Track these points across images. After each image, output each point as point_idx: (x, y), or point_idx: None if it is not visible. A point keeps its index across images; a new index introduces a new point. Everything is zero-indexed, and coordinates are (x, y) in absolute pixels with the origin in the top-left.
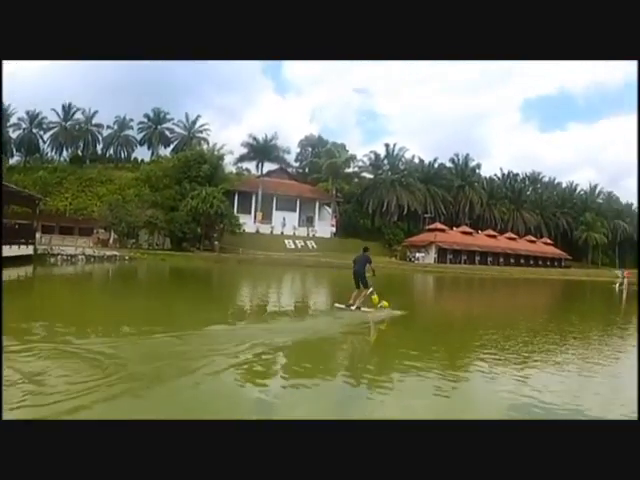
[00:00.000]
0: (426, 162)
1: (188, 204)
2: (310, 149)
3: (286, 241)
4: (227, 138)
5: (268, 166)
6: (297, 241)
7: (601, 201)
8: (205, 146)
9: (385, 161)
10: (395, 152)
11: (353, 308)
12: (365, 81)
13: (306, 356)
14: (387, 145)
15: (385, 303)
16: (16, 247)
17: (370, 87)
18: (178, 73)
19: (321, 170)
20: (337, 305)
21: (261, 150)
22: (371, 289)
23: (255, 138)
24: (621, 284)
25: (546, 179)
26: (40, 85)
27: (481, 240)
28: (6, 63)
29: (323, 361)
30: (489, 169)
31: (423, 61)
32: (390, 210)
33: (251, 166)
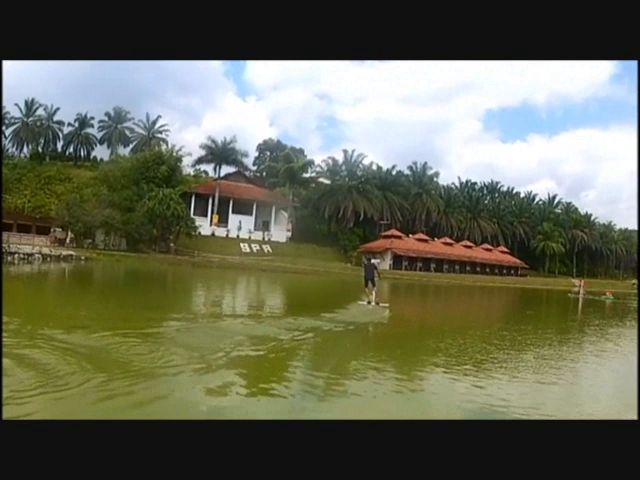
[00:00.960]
0: (384, 169)
1: (145, 205)
2: (268, 153)
3: (242, 245)
4: (186, 140)
5: (226, 169)
6: (253, 245)
7: (559, 211)
8: (164, 147)
9: (343, 167)
10: (353, 158)
11: (373, 304)
12: (327, 87)
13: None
14: (345, 151)
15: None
16: None
17: (331, 93)
18: (141, 73)
19: (278, 174)
20: (360, 302)
21: (219, 153)
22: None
23: (214, 141)
24: (577, 293)
25: (504, 189)
26: (6, 79)
27: (437, 247)
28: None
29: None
30: (448, 178)
31: (385, 69)
32: (346, 216)
33: (209, 168)
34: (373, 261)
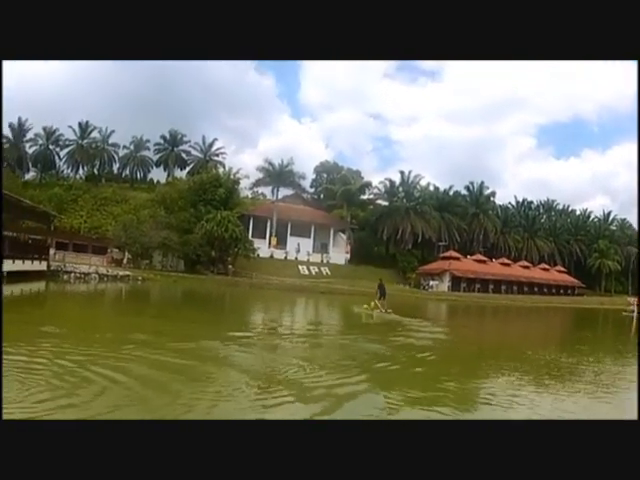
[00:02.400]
0: (441, 189)
1: (203, 227)
2: (325, 175)
3: (300, 267)
4: (243, 162)
5: (283, 191)
6: (311, 267)
7: (614, 228)
8: (221, 170)
9: (400, 188)
10: (410, 179)
11: (388, 311)
12: (379, 107)
13: None
14: (402, 172)
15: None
16: (29, 262)
17: (385, 113)
18: (194, 96)
19: (336, 196)
20: (377, 312)
21: (277, 175)
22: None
23: (271, 163)
24: (632, 311)
25: (560, 206)
26: (58, 102)
27: (495, 268)
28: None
29: None
30: (502, 196)
31: (435, 88)
32: (404, 238)
33: (266, 191)
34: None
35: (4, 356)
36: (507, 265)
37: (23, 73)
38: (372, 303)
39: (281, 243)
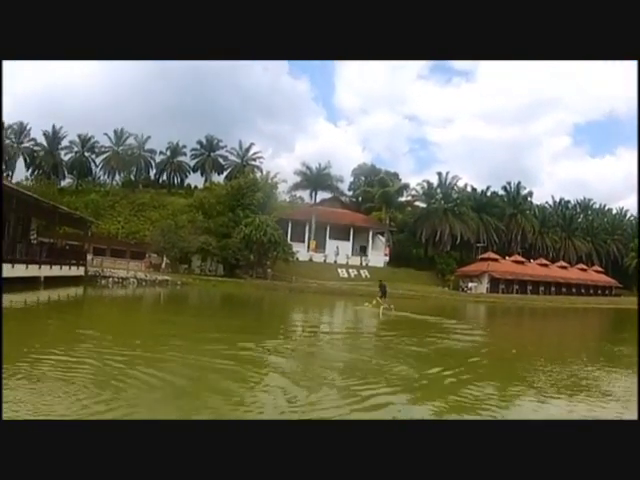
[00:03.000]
0: (478, 190)
1: (241, 231)
2: (363, 178)
3: (339, 270)
4: (280, 166)
5: (321, 195)
6: (350, 270)
7: None
8: (258, 174)
9: (438, 190)
10: (447, 181)
11: (390, 307)
12: (414, 108)
13: None
14: (439, 174)
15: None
16: (67, 267)
17: (420, 115)
18: (229, 101)
19: (374, 199)
20: (383, 308)
21: (314, 179)
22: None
23: (308, 167)
24: None
25: (596, 205)
26: (91, 110)
27: (533, 269)
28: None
29: None
30: (539, 196)
31: (470, 88)
32: (443, 239)
33: (304, 194)
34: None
35: (50, 357)
36: (545, 266)
37: (56, 82)
38: (374, 301)
39: (320, 246)
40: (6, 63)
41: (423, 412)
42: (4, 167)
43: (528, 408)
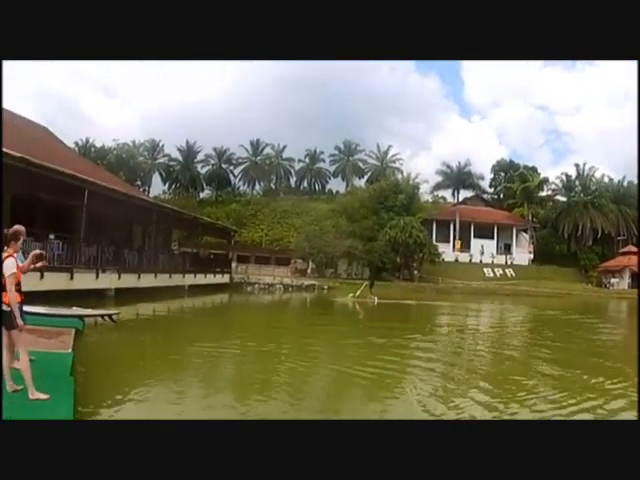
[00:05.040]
0: (615, 181)
1: (387, 234)
2: (502, 174)
3: (485, 269)
4: (420, 166)
5: (463, 193)
6: (496, 269)
7: None
8: (399, 176)
9: (576, 182)
10: (585, 172)
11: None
12: (544, 98)
13: None
14: (577, 165)
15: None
16: (211, 276)
17: (550, 104)
18: (359, 103)
19: (515, 195)
20: (370, 299)
21: (455, 178)
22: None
23: (449, 166)
24: None
25: None
26: (223, 124)
27: None
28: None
29: None
30: None
31: (593, 73)
32: (584, 234)
33: (446, 194)
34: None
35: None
36: None
37: (185, 99)
38: (357, 292)
39: (465, 246)
40: (135, 85)
41: None
42: (139, 182)
43: None
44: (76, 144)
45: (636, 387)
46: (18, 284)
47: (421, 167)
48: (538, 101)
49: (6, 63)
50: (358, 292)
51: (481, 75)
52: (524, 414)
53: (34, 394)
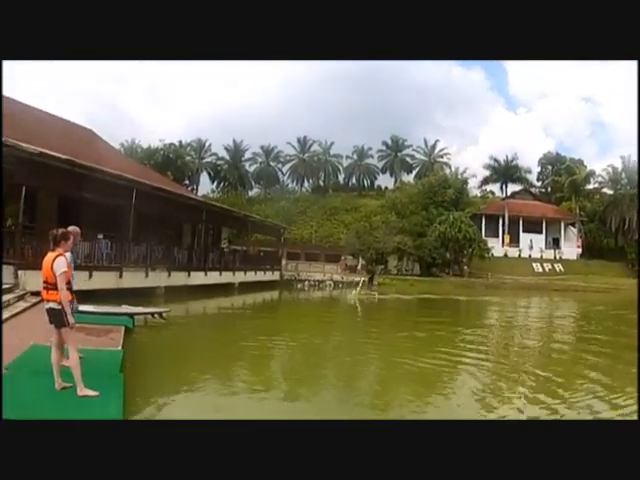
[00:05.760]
0: None
1: (436, 229)
2: (550, 167)
3: (534, 264)
4: (466, 160)
5: (511, 187)
6: (544, 264)
7: None
8: (447, 170)
9: (622, 175)
10: (630, 164)
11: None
12: (588, 88)
13: None
14: (623, 157)
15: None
16: (261, 273)
17: (594, 95)
18: (403, 98)
19: (563, 188)
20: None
21: (503, 172)
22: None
23: (496, 160)
24: None
25: None
26: (269, 121)
27: None
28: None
29: None
30: None
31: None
32: (632, 227)
33: (494, 188)
34: None
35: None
36: None
37: (232, 100)
38: (358, 288)
39: (513, 240)
40: (179, 86)
41: None
42: (187, 182)
43: None
44: (122, 145)
45: None
46: (68, 282)
47: (468, 161)
48: (583, 92)
49: (49, 67)
50: (358, 288)
51: (524, 66)
52: (573, 415)
53: (83, 391)
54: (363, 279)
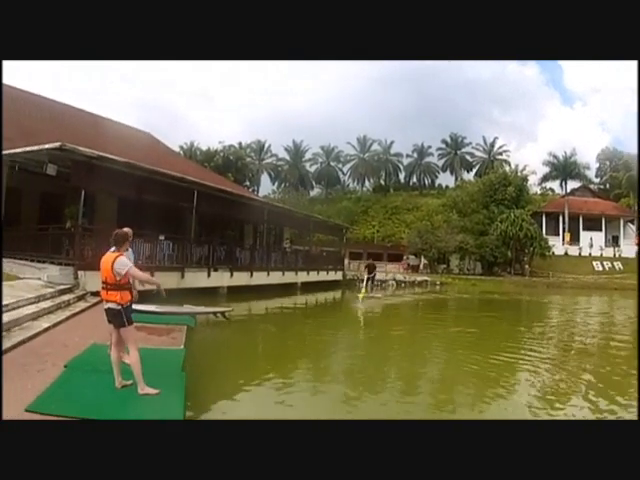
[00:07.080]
0: None
1: (497, 228)
2: (608, 163)
3: (594, 262)
4: (525, 157)
5: (570, 184)
6: (604, 262)
7: None
8: (507, 168)
9: None
10: None
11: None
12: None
13: None
14: None
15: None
16: (324, 273)
17: None
18: (459, 96)
19: (621, 185)
20: (373, 295)
21: (562, 168)
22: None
23: (555, 156)
24: None
25: None
26: (329, 123)
27: None
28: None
29: None
30: None
31: None
32: None
33: (554, 185)
34: None
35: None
36: None
37: (290, 105)
38: (363, 291)
39: (574, 238)
40: (238, 88)
41: None
42: (248, 183)
43: None
44: (181, 148)
45: None
46: (127, 282)
47: (528, 158)
48: (636, 84)
49: (104, 74)
50: (363, 290)
51: (578, 60)
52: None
53: (144, 389)
54: (367, 277)
